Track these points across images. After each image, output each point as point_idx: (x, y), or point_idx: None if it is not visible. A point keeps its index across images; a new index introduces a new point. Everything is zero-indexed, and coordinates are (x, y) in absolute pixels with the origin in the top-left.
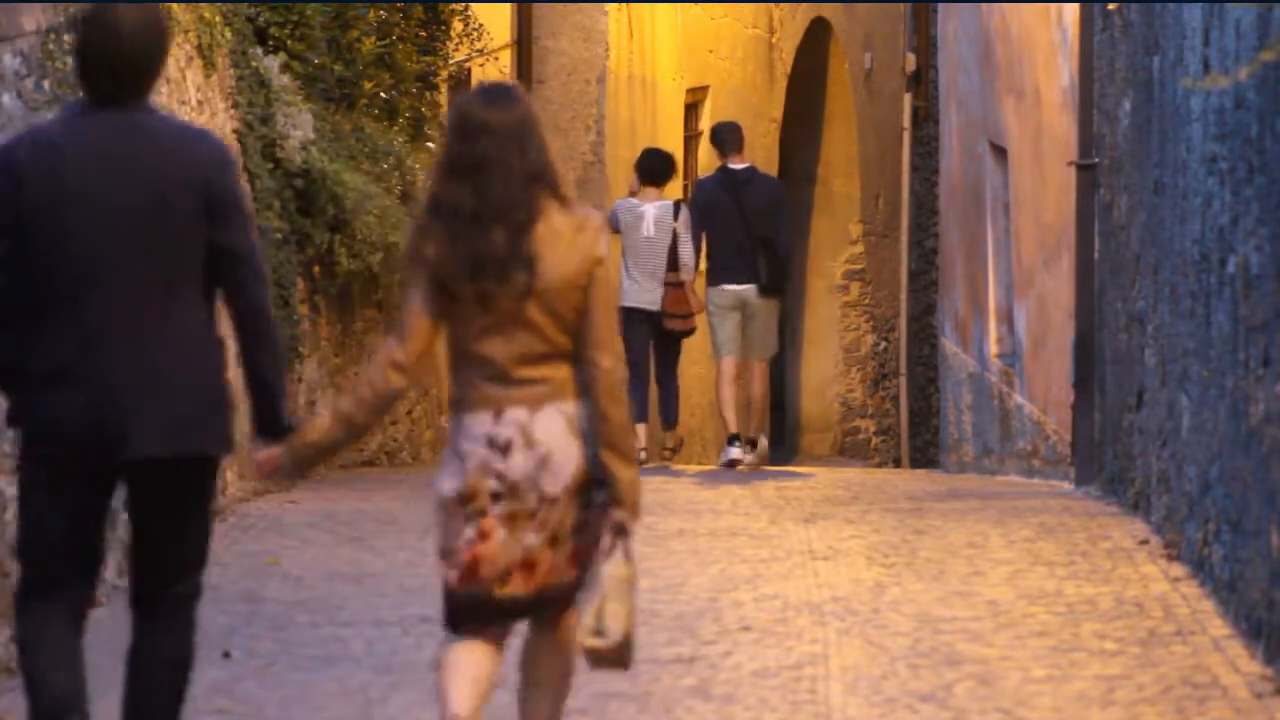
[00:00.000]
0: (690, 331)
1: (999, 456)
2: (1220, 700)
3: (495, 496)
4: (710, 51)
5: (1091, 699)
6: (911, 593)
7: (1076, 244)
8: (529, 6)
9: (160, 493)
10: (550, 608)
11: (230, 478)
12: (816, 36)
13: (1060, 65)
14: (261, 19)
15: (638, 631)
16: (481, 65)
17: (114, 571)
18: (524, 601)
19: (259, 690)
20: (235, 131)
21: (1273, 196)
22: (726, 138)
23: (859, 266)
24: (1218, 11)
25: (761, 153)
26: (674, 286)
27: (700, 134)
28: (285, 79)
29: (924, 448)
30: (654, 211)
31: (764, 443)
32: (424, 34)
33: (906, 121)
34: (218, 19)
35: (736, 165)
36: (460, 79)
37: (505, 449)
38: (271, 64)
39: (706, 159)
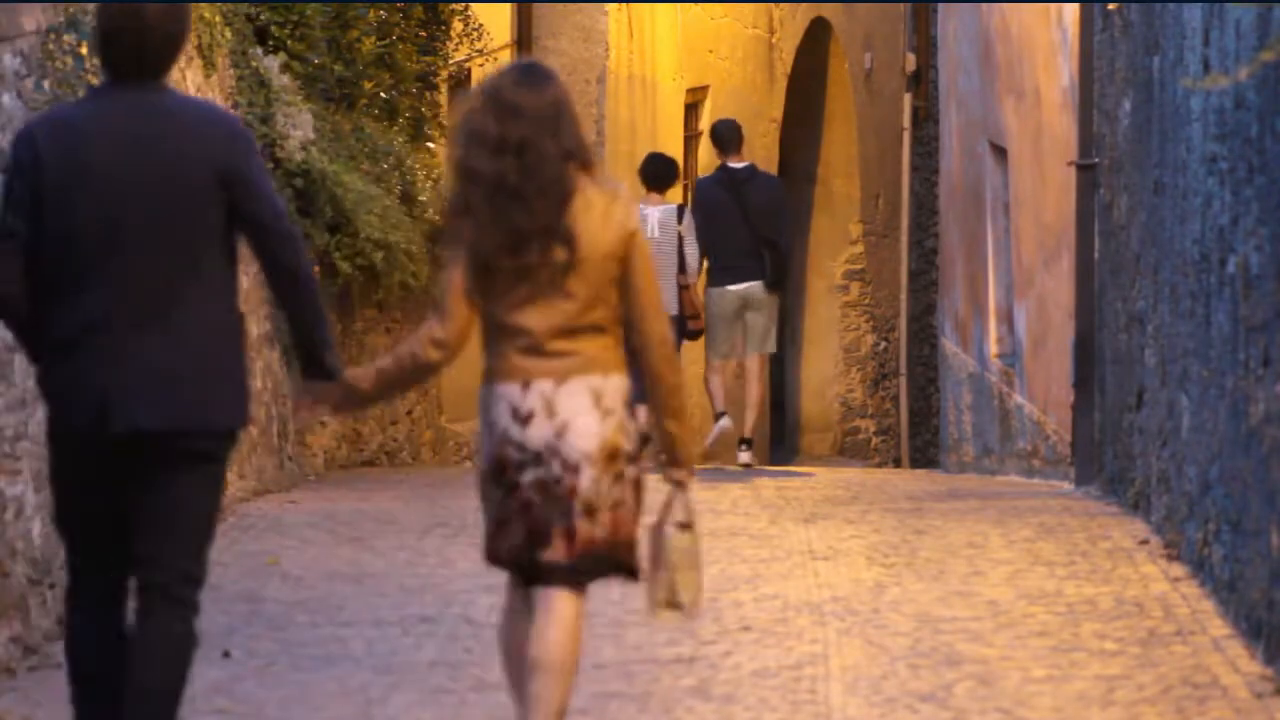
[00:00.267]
0: (701, 332)
1: (999, 456)
2: (1220, 700)
3: (520, 466)
4: (710, 51)
5: (1091, 699)
6: (911, 593)
7: (1076, 244)
8: (529, 6)
9: (167, 464)
10: (587, 575)
11: (230, 478)
12: (816, 36)
13: (1060, 65)
14: (261, 19)
15: (639, 631)
16: (481, 65)
17: None
18: (563, 567)
19: (259, 690)
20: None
21: (1273, 196)
22: (726, 136)
23: (859, 266)
24: (1218, 11)
25: (761, 153)
26: (681, 289)
27: (700, 134)
28: (285, 79)
29: (924, 448)
30: (658, 214)
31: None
32: (424, 34)
33: (906, 121)
34: (218, 19)
35: (736, 164)
36: (460, 79)
37: (527, 419)
38: (271, 64)
39: (707, 159)
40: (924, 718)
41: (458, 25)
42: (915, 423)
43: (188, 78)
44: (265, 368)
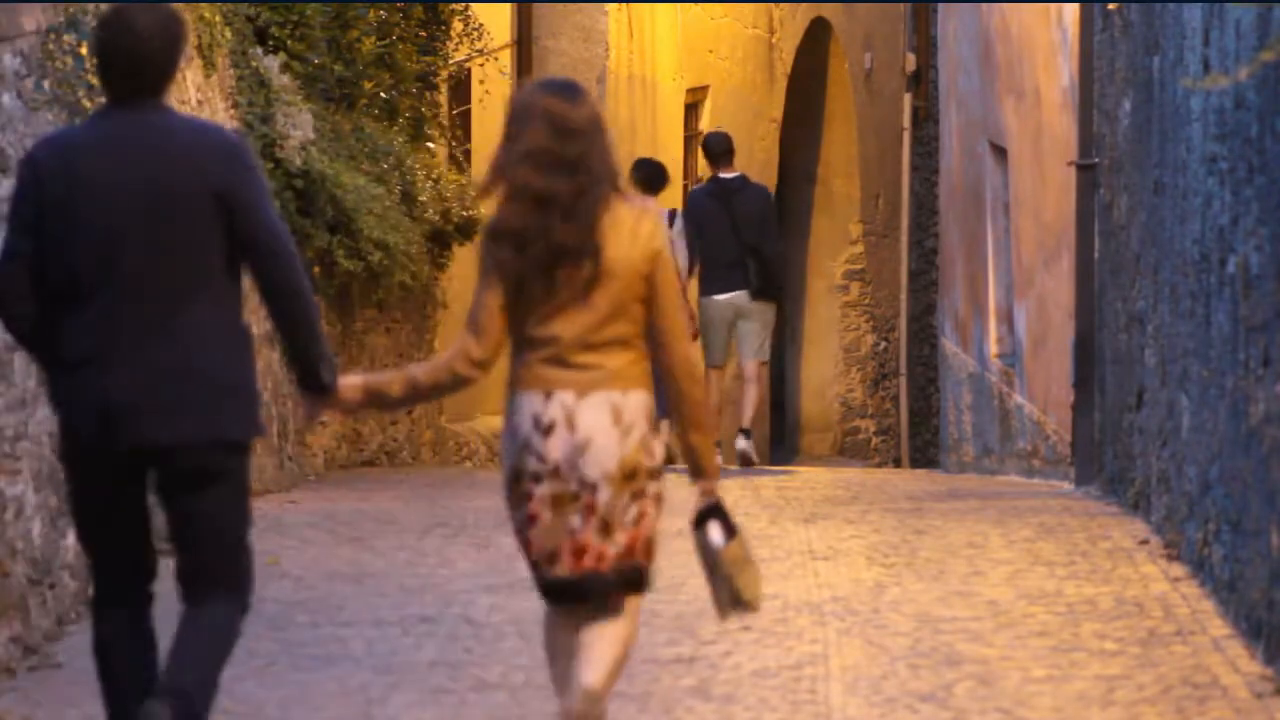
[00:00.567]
0: (695, 337)
1: (999, 456)
2: (1220, 700)
3: (536, 477)
4: (710, 51)
5: (1091, 699)
6: (911, 593)
7: (1076, 244)
8: (529, 6)
9: (184, 479)
10: (598, 594)
11: None
12: (816, 36)
13: (1060, 65)
14: (261, 19)
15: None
16: (481, 65)
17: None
18: (571, 584)
19: (259, 690)
20: (235, 131)
21: (1273, 196)
22: (717, 149)
23: (859, 266)
24: (1218, 11)
25: (761, 153)
26: None
27: (700, 134)
28: (285, 79)
29: (924, 448)
30: None
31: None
32: (424, 34)
33: (906, 121)
34: (218, 19)
35: (727, 175)
36: (460, 79)
37: (548, 430)
38: (271, 64)
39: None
40: (924, 718)
41: (458, 25)
42: (915, 423)
43: (188, 78)
44: (265, 368)
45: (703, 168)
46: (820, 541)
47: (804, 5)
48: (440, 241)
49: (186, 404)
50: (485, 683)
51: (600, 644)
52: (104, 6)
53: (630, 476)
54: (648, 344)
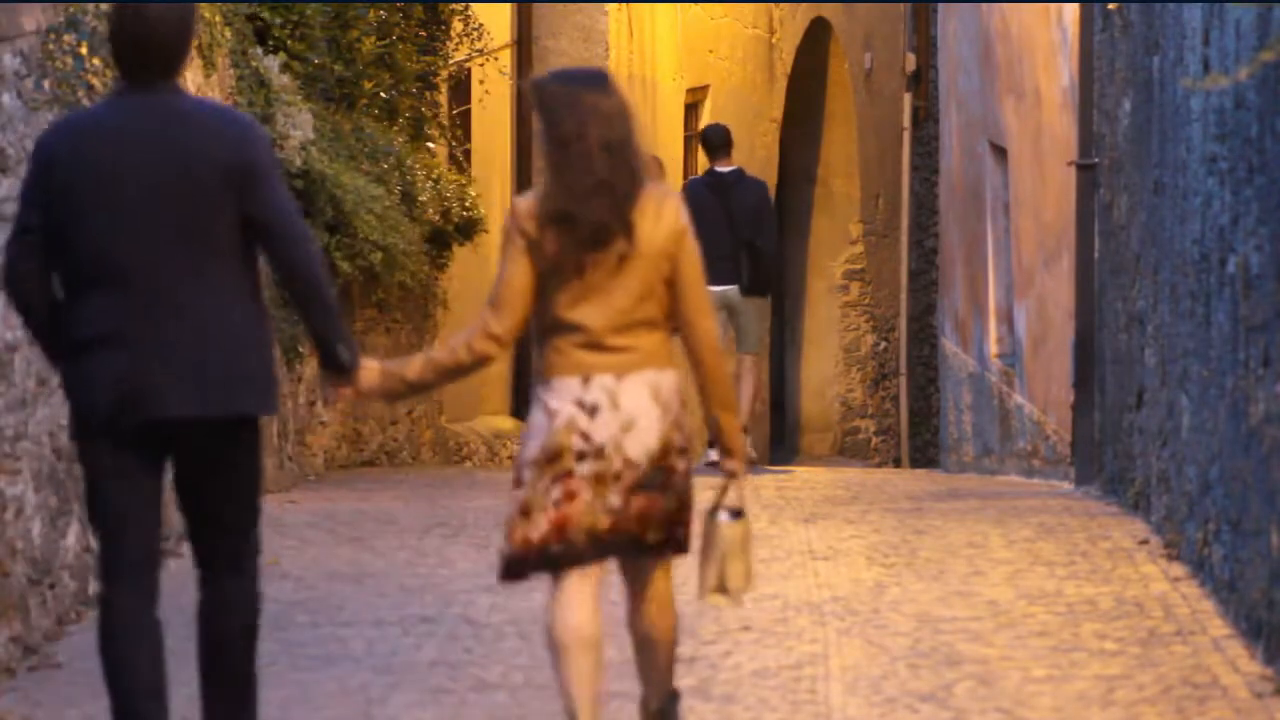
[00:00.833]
0: None
1: (999, 456)
2: (1220, 700)
3: (580, 456)
4: (710, 51)
5: (1091, 699)
6: (911, 593)
7: (1076, 244)
8: (529, 6)
9: (201, 454)
10: (632, 547)
11: None
12: (816, 36)
13: (1060, 65)
14: (261, 19)
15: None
16: (481, 65)
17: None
18: (606, 538)
19: (259, 690)
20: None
21: (1273, 196)
22: (715, 141)
23: (859, 266)
24: (1218, 11)
25: (761, 152)
26: None
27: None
28: (285, 79)
29: (924, 448)
30: None
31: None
32: (424, 34)
33: (906, 121)
34: (218, 19)
35: (724, 168)
36: (460, 79)
37: (593, 411)
38: (271, 64)
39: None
40: (924, 718)
41: (458, 25)
42: (915, 423)
43: (187, 77)
44: None
45: (703, 166)
46: (820, 541)
47: (804, 5)
48: (440, 242)
49: (201, 379)
50: (485, 683)
51: (660, 582)
52: (104, 6)
53: (667, 452)
54: (671, 325)
